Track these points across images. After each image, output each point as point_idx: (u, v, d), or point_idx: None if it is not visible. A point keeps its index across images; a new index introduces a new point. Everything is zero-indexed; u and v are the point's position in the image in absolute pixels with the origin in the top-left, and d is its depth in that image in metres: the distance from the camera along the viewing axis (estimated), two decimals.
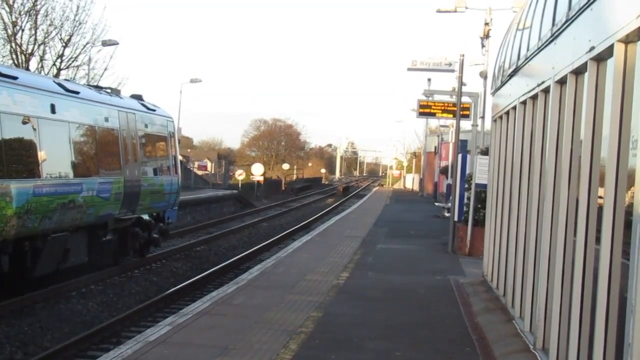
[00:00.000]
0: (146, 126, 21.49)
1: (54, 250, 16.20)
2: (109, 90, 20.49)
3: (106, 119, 18.75)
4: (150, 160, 22.06)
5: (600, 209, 7.15)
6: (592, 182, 7.60)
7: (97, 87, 21.20)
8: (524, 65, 11.92)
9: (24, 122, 14.81)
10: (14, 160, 14.56)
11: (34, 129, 15.08)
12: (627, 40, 6.44)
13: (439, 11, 29.84)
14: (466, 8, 28.14)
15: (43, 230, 15.44)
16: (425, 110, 30.12)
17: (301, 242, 24.39)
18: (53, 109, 15.90)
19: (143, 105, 21.89)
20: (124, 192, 19.14)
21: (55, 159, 16.08)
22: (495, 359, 10.30)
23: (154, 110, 22.47)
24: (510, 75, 13.45)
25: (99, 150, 18.30)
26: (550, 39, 9.55)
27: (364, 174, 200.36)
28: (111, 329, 13.98)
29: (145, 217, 21.23)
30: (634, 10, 6.00)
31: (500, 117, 15.02)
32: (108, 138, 18.95)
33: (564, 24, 8.73)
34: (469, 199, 22.34)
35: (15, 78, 14.69)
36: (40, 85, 15.92)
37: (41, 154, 15.29)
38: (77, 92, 17.54)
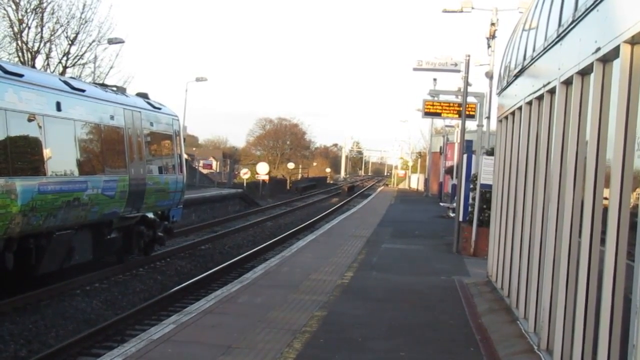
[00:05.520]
0: (151, 124, 21.51)
1: (59, 248, 16.25)
2: (114, 89, 20.50)
3: (112, 117, 18.77)
4: (156, 158, 22.07)
5: (605, 210, 7.14)
6: (598, 183, 7.58)
7: (103, 85, 21.23)
8: (529, 65, 11.90)
9: (30, 120, 14.83)
10: (20, 158, 14.56)
11: (40, 127, 15.09)
12: (633, 41, 6.43)
13: (445, 11, 29.84)
14: (472, 8, 28.13)
15: (48, 228, 15.46)
16: (431, 110, 30.08)
17: (305, 242, 24.38)
18: (59, 107, 15.91)
19: (148, 103, 21.93)
20: (129, 190, 19.17)
21: (61, 157, 16.08)
22: None
23: (159, 109, 22.51)
24: (516, 76, 13.43)
25: (104, 148, 18.32)
26: (556, 40, 9.53)
27: (369, 174, 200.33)
28: (115, 327, 13.99)
29: (150, 215, 21.26)
30: None
31: (506, 118, 15.00)
32: (113, 136, 18.96)
33: (570, 24, 8.71)
34: (474, 199, 22.30)
35: (21, 76, 14.72)
36: (46, 83, 15.93)
37: (46, 152, 15.31)
38: (83, 90, 17.55)
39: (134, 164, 19.78)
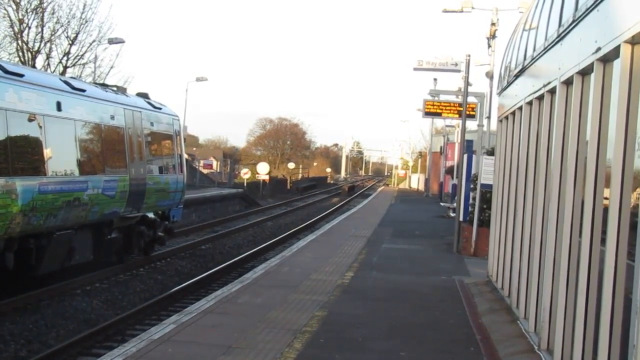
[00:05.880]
0: (152, 124, 21.51)
1: (59, 248, 16.27)
2: (115, 89, 20.53)
3: (112, 117, 18.76)
4: (156, 158, 22.07)
5: (605, 210, 7.14)
6: (598, 183, 7.58)
7: (103, 85, 21.19)
8: (530, 65, 11.89)
9: (30, 120, 14.82)
10: (20, 158, 14.52)
11: (40, 127, 15.07)
12: (634, 41, 6.42)
13: (445, 11, 29.87)
14: (472, 8, 28.15)
15: (48, 228, 15.47)
16: (431, 110, 30.11)
17: (306, 242, 24.38)
18: (59, 107, 15.89)
19: (149, 103, 21.96)
20: (130, 190, 19.19)
21: (61, 157, 16.07)
22: None
23: (159, 109, 22.53)
24: (517, 76, 13.43)
25: (105, 148, 18.31)
26: (557, 40, 9.53)
27: (370, 174, 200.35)
28: (115, 327, 14.00)
29: (151, 215, 21.31)
30: None
31: (506, 118, 14.99)
32: (114, 136, 18.94)
33: (570, 24, 8.71)
34: (474, 199, 22.29)
35: (21, 75, 14.71)
36: (46, 82, 15.90)
37: (47, 152, 15.28)
38: (83, 90, 17.51)
39: (135, 164, 19.77)
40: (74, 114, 16.62)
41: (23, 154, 14.78)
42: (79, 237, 17.08)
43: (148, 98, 22.41)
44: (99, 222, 18.12)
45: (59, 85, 16.55)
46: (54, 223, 15.56)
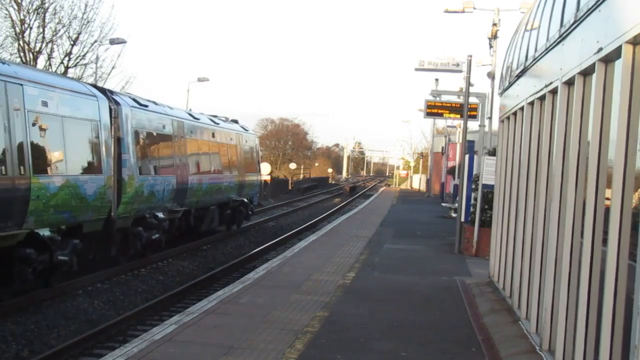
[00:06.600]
0: (245, 142, 32.87)
1: (209, 216, 27.29)
2: (224, 119, 31.19)
3: (231, 139, 30.38)
4: (248, 164, 32.86)
5: (607, 210, 7.13)
6: (599, 183, 7.58)
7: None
8: (531, 66, 11.89)
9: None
10: (201, 166, 26.60)
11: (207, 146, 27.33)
12: (635, 41, 6.42)
13: (446, 11, 29.91)
14: (474, 9, 28.17)
15: (205, 204, 26.63)
16: (433, 110, 30.11)
17: (307, 242, 24.38)
18: (213, 135, 27.73)
19: (242, 127, 33.27)
20: (238, 184, 30.74)
21: (211, 164, 27.67)
22: None
23: (247, 131, 34.12)
24: (518, 76, 13.43)
25: (227, 159, 29.58)
26: (558, 40, 9.53)
27: (371, 174, 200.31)
28: (117, 328, 14.01)
29: (245, 200, 31.93)
30: None
31: (508, 118, 14.99)
32: (232, 150, 30.26)
33: (572, 25, 8.71)
34: (475, 199, 22.29)
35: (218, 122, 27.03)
36: (203, 120, 27.58)
37: (205, 162, 26.86)
38: (218, 122, 29.30)
39: (239, 169, 31.18)
40: (225, 140, 29.26)
41: (202, 164, 26.66)
42: (215, 211, 27.92)
43: (238, 123, 33.10)
44: (225, 203, 29.13)
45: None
46: (209, 201, 27.07)
